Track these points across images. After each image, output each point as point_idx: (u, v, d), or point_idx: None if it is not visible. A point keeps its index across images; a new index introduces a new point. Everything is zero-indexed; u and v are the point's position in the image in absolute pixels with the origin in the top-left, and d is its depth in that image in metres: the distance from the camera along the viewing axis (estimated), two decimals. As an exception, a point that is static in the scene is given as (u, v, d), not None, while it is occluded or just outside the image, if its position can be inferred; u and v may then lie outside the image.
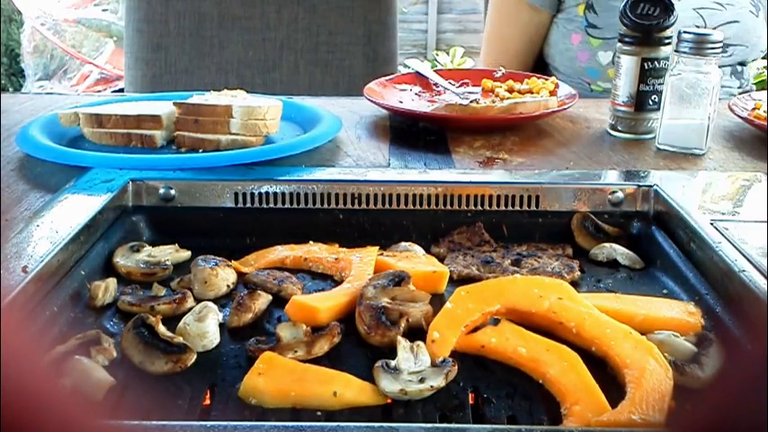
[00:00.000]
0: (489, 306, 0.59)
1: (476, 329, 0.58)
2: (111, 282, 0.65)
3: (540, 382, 0.53)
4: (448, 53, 4.02)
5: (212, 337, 0.58)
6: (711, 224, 0.69)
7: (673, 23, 0.97)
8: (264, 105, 0.92)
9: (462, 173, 0.84)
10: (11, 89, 3.55)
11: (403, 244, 0.73)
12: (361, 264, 0.67)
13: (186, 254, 0.72)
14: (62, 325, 0.60)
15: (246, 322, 0.61)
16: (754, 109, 1.05)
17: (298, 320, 0.59)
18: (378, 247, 0.71)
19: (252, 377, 0.52)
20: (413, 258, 0.70)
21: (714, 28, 1.36)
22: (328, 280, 0.69)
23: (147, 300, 0.63)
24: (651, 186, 0.79)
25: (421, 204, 0.79)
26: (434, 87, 1.23)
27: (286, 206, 0.79)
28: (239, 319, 0.60)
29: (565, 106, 1.07)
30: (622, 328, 0.56)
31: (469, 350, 0.56)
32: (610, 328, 0.57)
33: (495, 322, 0.58)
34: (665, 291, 0.68)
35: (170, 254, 0.71)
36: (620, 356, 0.54)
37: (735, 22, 1.41)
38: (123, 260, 0.69)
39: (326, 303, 0.61)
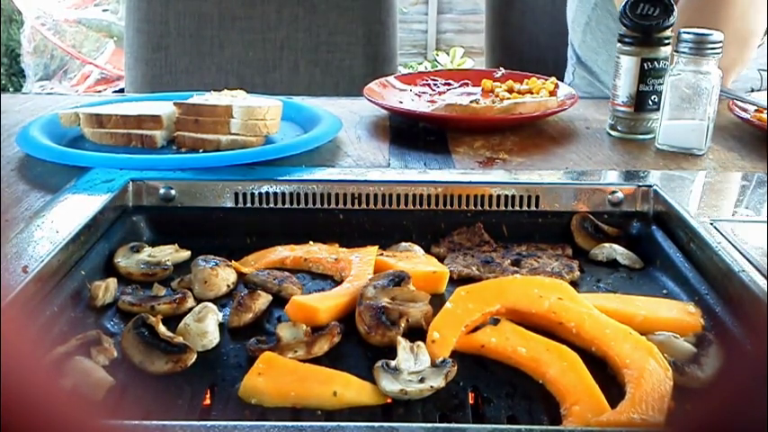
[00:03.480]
0: (489, 306, 0.59)
1: (476, 329, 0.58)
2: (112, 282, 0.65)
3: (540, 382, 0.53)
4: (448, 53, 4.02)
5: (212, 337, 0.58)
6: (711, 224, 0.69)
7: (672, 23, 0.97)
8: (264, 105, 0.93)
9: (462, 173, 0.84)
10: (11, 89, 3.55)
11: (403, 244, 0.73)
12: (361, 264, 0.67)
13: (186, 254, 0.72)
14: (62, 325, 0.59)
15: (246, 322, 0.61)
16: (757, 111, 1.05)
17: (298, 320, 0.59)
18: (378, 247, 0.71)
19: (252, 377, 0.52)
20: (413, 258, 0.70)
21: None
22: (328, 280, 0.69)
23: (148, 300, 0.63)
24: (651, 186, 0.79)
25: (421, 204, 0.79)
26: (434, 87, 1.23)
27: (286, 206, 0.79)
28: (239, 319, 0.60)
29: (565, 106, 1.07)
30: (622, 329, 0.56)
31: (469, 350, 0.56)
32: (610, 328, 0.56)
33: (495, 322, 0.58)
34: (664, 291, 0.67)
35: (170, 254, 0.71)
36: (619, 357, 0.54)
37: None
38: (123, 260, 0.69)
39: (326, 303, 0.61)
